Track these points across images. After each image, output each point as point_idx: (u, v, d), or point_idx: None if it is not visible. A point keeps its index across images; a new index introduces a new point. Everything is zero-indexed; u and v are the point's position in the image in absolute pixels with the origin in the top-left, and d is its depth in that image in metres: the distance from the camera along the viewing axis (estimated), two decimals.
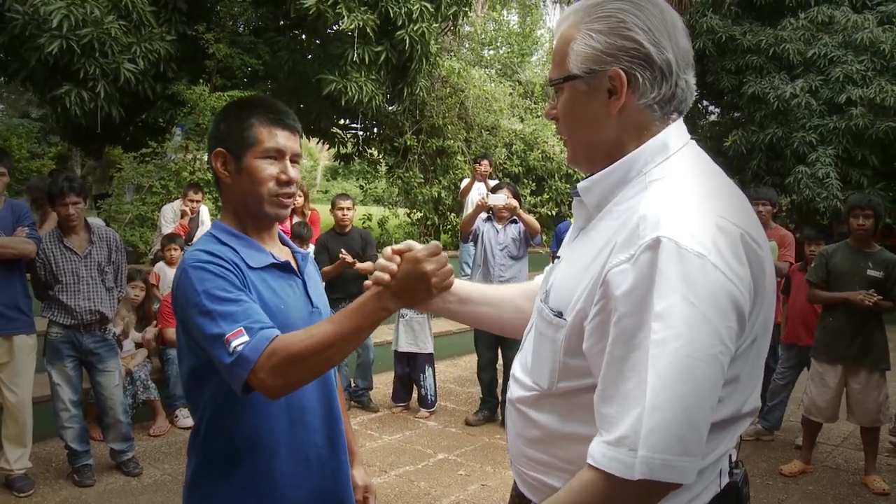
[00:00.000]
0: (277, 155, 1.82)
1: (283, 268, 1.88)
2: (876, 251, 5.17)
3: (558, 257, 1.49)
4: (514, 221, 6.38)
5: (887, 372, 5.12)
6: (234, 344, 1.57)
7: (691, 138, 1.39)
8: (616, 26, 1.30)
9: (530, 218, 6.32)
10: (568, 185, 13.62)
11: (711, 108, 19.20)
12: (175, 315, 1.79)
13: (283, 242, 2.01)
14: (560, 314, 1.34)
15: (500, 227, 6.37)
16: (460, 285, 1.73)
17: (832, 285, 5.15)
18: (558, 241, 7.15)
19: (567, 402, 1.36)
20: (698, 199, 1.24)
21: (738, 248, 1.19)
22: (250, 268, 1.79)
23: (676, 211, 1.20)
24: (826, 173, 11.78)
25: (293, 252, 2.00)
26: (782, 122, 12.67)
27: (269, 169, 1.81)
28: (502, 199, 6.23)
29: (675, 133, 1.36)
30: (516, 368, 1.53)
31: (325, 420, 1.92)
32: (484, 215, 6.50)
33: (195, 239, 7.81)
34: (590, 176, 1.41)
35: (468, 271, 9.27)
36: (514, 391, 1.51)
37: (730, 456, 1.38)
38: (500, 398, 6.31)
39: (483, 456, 5.56)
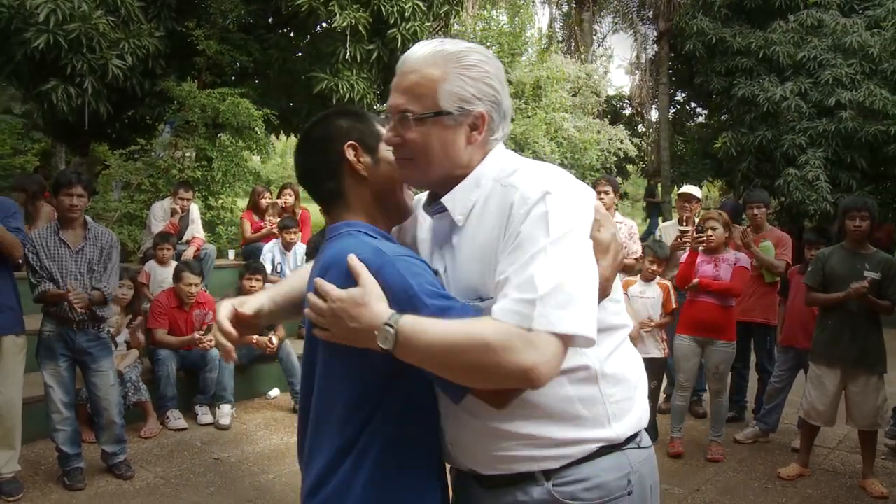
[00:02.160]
0: None
1: None
2: (871, 252, 5.14)
3: (436, 272, 1.65)
4: None
5: (884, 375, 5.11)
6: None
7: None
8: (482, 75, 1.60)
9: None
10: None
11: (700, 109, 19.27)
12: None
13: None
14: (480, 298, 1.54)
15: None
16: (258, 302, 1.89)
17: (829, 288, 5.12)
18: None
19: None
20: (548, 167, 1.60)
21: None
22: None
23: (546, 176, 1.54)
24: (816, 176, 11.85)
25: None
26: (772, 125, 12.74)
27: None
28: None
29: (501, 146, 1.70)
30: None
31: None
32: None
33: (185, 237, 7.73)
34: (436, 195, 1.69)
35: None
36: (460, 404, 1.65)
37: None
38: None
39: None
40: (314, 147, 1.80)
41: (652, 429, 1.86)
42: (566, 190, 1.52)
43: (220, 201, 10.05)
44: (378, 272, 1.52)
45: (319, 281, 1.54)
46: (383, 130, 1.76)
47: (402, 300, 1.49)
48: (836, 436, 5.98)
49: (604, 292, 1.57)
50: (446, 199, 1.64)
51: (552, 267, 1.40)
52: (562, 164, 13.62)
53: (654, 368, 5.62)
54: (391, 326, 1.42)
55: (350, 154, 1.74)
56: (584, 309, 1.41)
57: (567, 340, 1.40)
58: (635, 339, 5.56)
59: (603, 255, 1.57)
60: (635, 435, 1.69)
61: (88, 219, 4.90)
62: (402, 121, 1.61)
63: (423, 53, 1.62)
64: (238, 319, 1.82)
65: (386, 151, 1.74)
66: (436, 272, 1.64)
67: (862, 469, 5.19)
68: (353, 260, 1.52)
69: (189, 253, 7.54)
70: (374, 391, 1.59)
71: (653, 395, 5.64)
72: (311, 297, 1.55)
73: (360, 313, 1.45)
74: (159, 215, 7.70)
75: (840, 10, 13.35)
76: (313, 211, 8.74)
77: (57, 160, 17.32)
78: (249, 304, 1.85)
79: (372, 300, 1.46)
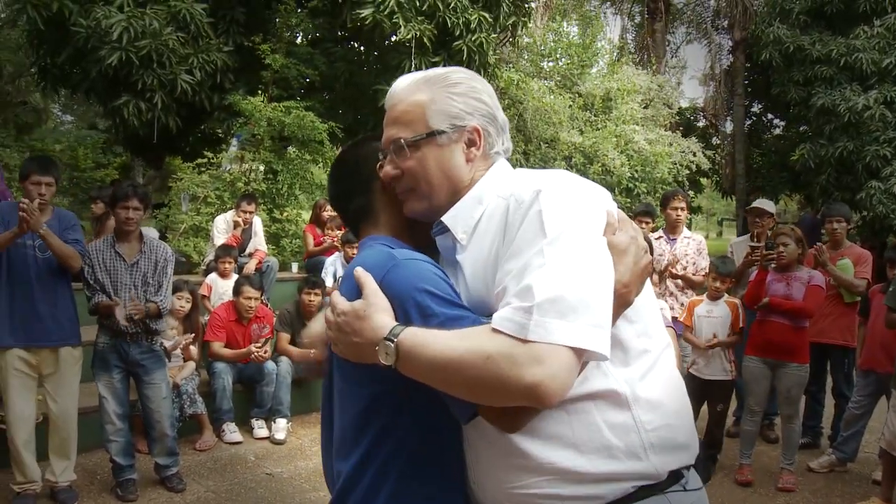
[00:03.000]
0: None
1: None
2: None
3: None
4: None
5: None
6: None
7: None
8: (469, 91, 1.59)
9: None
10: (629, 200, 13.32)
11: (776, 121, 18.68)
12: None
13: None
14: (489, 316, 1.37)
15: None
16: None
17: None
18: None
19: None
20: (545, 172, 1.51)
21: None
22: None
23: (541, 177, 1.47)
24: None
25: None
26: (853, 136, 12.20)
27: None
28: None
29: (506, 164, 1.66)
30: None
31: None
32: None
33: (247, 250, 7.78)
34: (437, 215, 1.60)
35: None
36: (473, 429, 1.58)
37: None
38: None
39: None
40: (348, 169, 1.76)
41: (703, 467, 1.58)
42: (561, 185, 1.43)
43: (285, 214, 10.14)
44: (385, 278, 1.45)
45: (334, 294, 1.50)
46: None
47: (410, 306, 1.41)
48: None
49: (624, 300, 1.43)
50: (446, 218, 1.57)
51: (551, 270, 1.30)
52: (632, 178, 13.37)
53: (722, 391, 5.37)
54: (391, 340, 1.34)
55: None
56: (590, 318, 1.28)
57: (577, 353, 1.27)
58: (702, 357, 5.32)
59: (619, 259, 1.43)
60: (679, 473, 1.49)
61: (144, 230, 4.93)
62: (397, 151, 1.58)
63: (406, 84, 1.63)
64: None
65: None
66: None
67: None
68: (359, 271, 1.46)
69: (251, 266, 7.57)
70: (384, 408, 1.50)
71: (718, 419, 5.38)
72: (326, 311, 1.51)
73: (362, 327, 1.39)
74: (222, 228, 7.77)
75: None
76: None
77: (135, 173, 17.90)
78: None
79: (374, 312, 1.39)
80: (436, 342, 1.31)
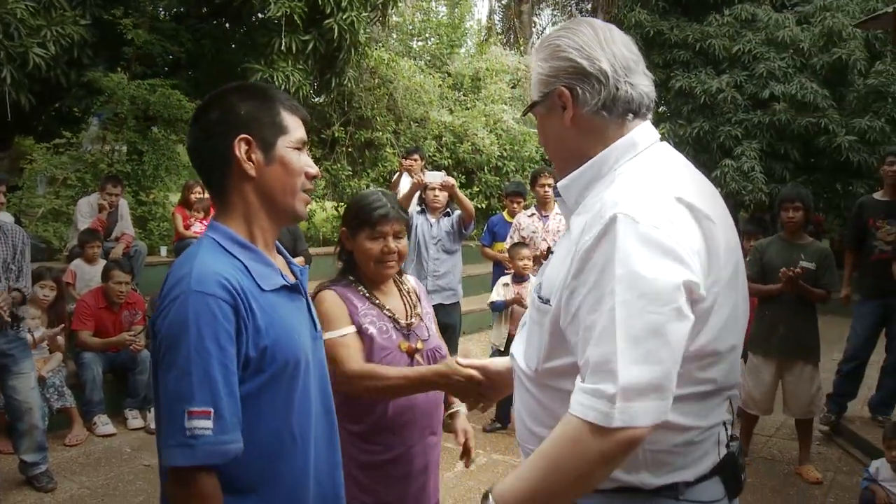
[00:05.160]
0: (302, 146, 1.69)
1: (293, 289, 1.70)
2: (808, 243, 5.22)
3: (552, 252, 1.68)
4: (447, 214, 6.25)
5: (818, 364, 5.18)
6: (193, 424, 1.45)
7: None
8: (553, 52, 1.55)
9: (466, 199, 6.20)
10: (497, 178, 13.57)
11: None
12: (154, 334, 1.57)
13: (279, 251, 1.81)
14: (547, 301, 1.49)
15: (433, 220, 6.23)
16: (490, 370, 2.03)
17: (767, 279, 5.16)
18: (490, 234, 7.04)
19: (553, 381, 1.51)
20: (654, 182, 1.43)
21: (686, 219, 1.38)
22: (262, 290, 1.60)
23: (632, 193, 1.39)
24: (751, 167, 12.04)
25: (288, 263, 1.81)
26: (709, 116, 12.91)
27: (301, 160, 1.67)
28: (439, 176, 6.09)
29: (642, 133, 1.55)
30: (516, 353, 1.69)
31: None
32: (417, 207, 6.34)
33: (113, 234, 7.45)
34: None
35: None
36: (516, 371, 1.68)
37: (726, 428, 1.53)
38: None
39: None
40: (206, 129, 1.64)
41: (728, 480, 1.55)
42: (646, 211, 1.37)
43: (152, 196, 9.73)
44: (166, 302, 1.51)
45: None
46: (291, 120, 1.66)
47: (170, 338, 1.48)
48: (773, 423, 6.05)
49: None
50: (561, 185, 1.61)
51: (621, 337, 1.29)
52: (501, 156, 13.62)
53: None
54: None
55: (240, 150, 1.60)
56: (660, 393, 1.31)
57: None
58: None
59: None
60: (674, 485, 1.47)
61: (0, 216, 4.63)
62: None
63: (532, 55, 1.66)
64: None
65: (284, 150, 1.64)
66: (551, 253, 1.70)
67: (798, 456, 5.27)
68: None
69: (118, 250, 7.25)
70: None
71: None
72: None
73: None
74: (86, 211, 7.39)
75: (772, 4, 13.62)
76: None
77: None
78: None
79: None
80: (521, 476, 1.41)
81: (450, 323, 6.15)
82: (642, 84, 1.55)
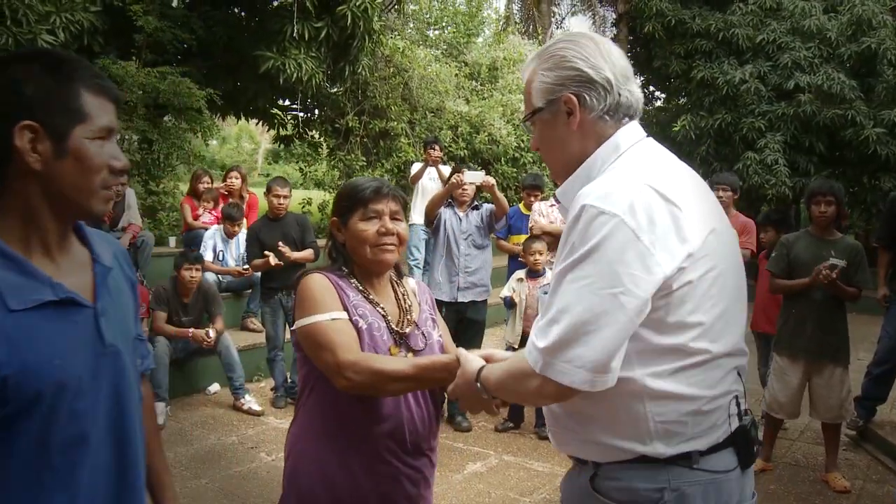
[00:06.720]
0: (108, 135, 1.41)
1: (60, 305, 1.37)
2: (838, 238, 4.96)
3: None
4: (476, 208, 5.99)
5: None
6: None
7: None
8: (559, 62, 1.66)
9: (503, 197, 5.97)
10: (514, 170, 13.36)
11: (658, 93, 19.14)
12: None
13: (83, 241, 1.52)
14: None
15: (462, 214, 5.94)
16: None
17: (794, 275, 4.91)
18: (506, 227, 6.82)
19: None
20: (626, 174, 1.55)
21: (654, 203, 1.48)
22: (9, 311, 1.30)
23: (602, 185, 1.53)
24: (774, 160, 11.74)
25: (93, 257, 1.51)
26: (731, 108, 12.60)
27: (103, 153, 1.39)
28: (480, 176, 5.86)
29: (626, 134, 1.66)
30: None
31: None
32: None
33: (120, 224, 7.31)
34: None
35: (417, 256, 8.87)
36: None
37: (737, 400, 1.63)
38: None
39: None
40: None
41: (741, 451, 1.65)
42: (606, 200, 1.50)
43: (162, 186, 9.60)
44: None
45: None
46: (95, 104, 1.39)
47: None
48: (797, 426, 5.82)
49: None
50: (559, 192, 1.73)
51: (564, 301, 1.49)
52: (518, 147, 13.40)
53: None
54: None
55: (22, 139, 1.32)
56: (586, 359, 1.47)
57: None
58: None
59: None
60: (688, 454, 1.56)
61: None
62: (531, 128, 1.77)
63: (527, 62, 1.76)
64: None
65: (81, 141, 1.36)
66: None
67: (825, 462, 5.02)
68: None
69: (124, 241, 7.09)
70: None
71: None
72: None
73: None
74: None
75: None
76: (261, 194, 8.35)
77: None
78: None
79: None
80: (498, 371, 1.70)
81: (478, 319, 5.99)
82: (636, 91, 1.70)
